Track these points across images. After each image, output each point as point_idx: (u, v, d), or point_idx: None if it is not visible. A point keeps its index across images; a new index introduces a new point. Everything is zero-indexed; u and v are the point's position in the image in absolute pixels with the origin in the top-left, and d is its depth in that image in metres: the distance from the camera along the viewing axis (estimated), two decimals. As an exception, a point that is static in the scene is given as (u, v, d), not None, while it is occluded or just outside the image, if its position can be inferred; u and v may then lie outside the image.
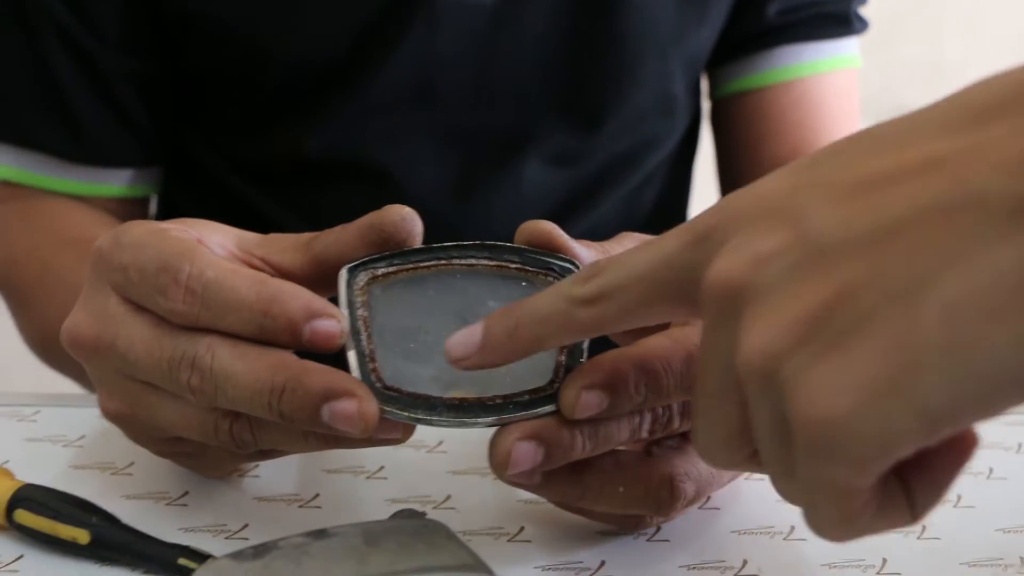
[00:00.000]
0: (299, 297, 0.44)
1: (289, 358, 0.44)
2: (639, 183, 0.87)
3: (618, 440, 0.46)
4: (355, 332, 0.46)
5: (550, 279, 0.48)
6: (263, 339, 0.44)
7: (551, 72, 0.80)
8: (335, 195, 0.82)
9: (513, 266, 0.48)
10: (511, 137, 0.82)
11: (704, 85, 0.91)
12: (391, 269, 0.47)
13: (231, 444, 0.47)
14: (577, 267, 0.48)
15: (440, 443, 0.59)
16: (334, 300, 0.46)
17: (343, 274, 0.47)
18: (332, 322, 0.44)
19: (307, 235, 0.49)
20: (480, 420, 0.45)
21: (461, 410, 0.45)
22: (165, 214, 0.89)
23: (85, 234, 0.76)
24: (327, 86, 0.78)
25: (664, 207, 0.90)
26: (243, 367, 0.44)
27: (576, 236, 0.53)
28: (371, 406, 0.43)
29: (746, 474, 0.55)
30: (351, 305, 0.46)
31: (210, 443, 0.47)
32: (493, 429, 0.46)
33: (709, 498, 0.54)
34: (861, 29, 0.90)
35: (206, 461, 0.52)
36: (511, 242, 0.49)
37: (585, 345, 0.47)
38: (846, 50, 0.89)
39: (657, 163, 0.87)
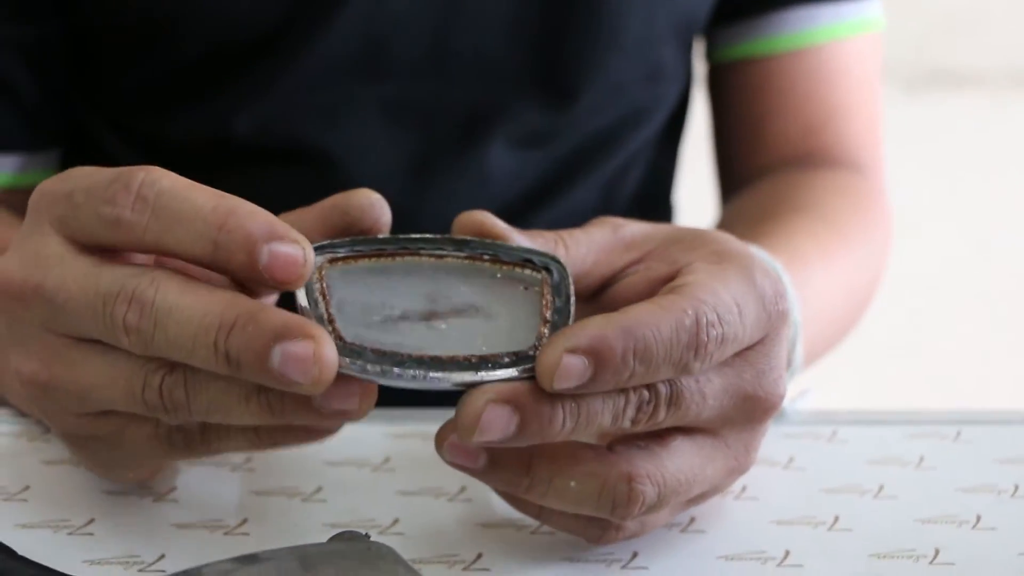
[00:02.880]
0: (260, 214, 0.42)
1: (242, 297, 0.42)
2: (620, 166, 0.81)
3: (600, 424, 0.44)
4: (312, 302, 0.44)
5: (527, 271, 0.46)
6: (215, 261, 0.42)
7: (521, 37, 0.75)
8: (266, 183, 0.76)
9: (487, 259, 0.46)
10: (474, 114, 0.76)
11: (698, 47, 0.85)
12: (351, 254, 0.46)
13: (160, 407, 0.44)
14: (558, 260, 0.46)
15: (387, 460, 0.56)
16: None
17: None
18: (295, 247, 0.42)
19: None
20: (453, 376, 0.43)
21: (432, 366, 0.43)
22: None
23: None
24: (257, 53, 0.73)
25: (647, 193, 0.84)
26: (191, 300, 0.42)
27: (547, 226, 0.49)
28: (329, 351, 0.41)
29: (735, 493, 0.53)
30: (307, 282, 0.44)
31: (135, 409, 0.44)
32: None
33: (693, 519, 0.51)
34: None
35: (124, 451, 0.48)
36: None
37: (572, 311, 0.45)
38: (869, 11, 0.84)
39: (641, 143, 0.82)
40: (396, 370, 0.42)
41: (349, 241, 0.46)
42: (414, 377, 0.42)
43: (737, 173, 0.84)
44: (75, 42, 0.75)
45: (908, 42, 1.93)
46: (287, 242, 0.42)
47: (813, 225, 0.73)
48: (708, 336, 0.44)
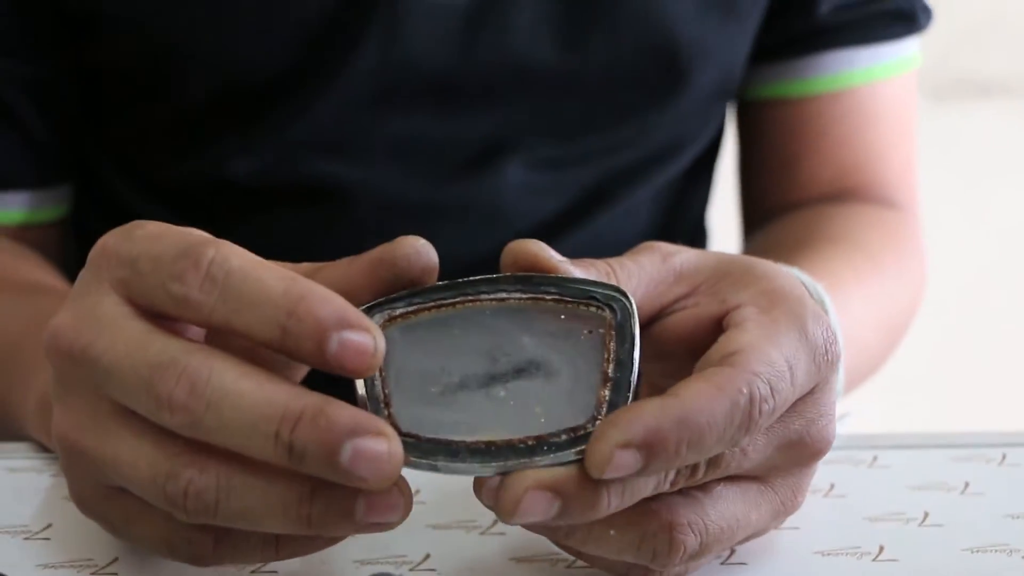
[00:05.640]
0: (332, 301, 0.41)
1: (305, 390, 0.41)
2: (641, 200, 0.80)
3: (642, 494, 0.44)
4: (369, 379, 0.44)
5: (592, 308, 0.46)
6: (283, 346, 0.41)
7: (529, 78, 0.74)
8: (274, 221, 0.76)
9: (550, 298, 0.46)
10: (485, 148, 0.76)
11: None
12: (410, 309, 0.46)
13: (179, 505, 0.42)
14: (622, 294, 0.46)
15: (416, 492, 0.54)
16: None
17: None
18: (367, 337, 0.41)
19: (307, 266, 0.46)
20: (509, 464, 0.43)
21: (488, 455, 0.44)
22: (79, 242, 0.82)
23: None
24: (267, 96, 0.73)
25: (666, 223, 0.83)
26: (251, 386, 0.41)
27: (561, 253, 0.49)
28: (397, 449, 0.41)
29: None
30: None
31: (150, 498, 0.43)
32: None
33: (734, 551, 0.51)
34: (926, 23, 0.82)
35: (128, 539, 0.47)
36: (497, 267, 0.47)
37: (633, 377, 0.44)
38: (907, 50, 0.82)
39: (666, 180, 0.81)
40: (450, 463, 0.43)
41: (407, 295, 0.46)
42: (467, 470, 0.43)
43: (765, 208, 0.84)
44: (81, 82, 0.76)
45: (934, 50, 1.92)
46: (358, 331, 0.41)
47: (849, 254, 0.73)
48: (760, 412, 0.43)
